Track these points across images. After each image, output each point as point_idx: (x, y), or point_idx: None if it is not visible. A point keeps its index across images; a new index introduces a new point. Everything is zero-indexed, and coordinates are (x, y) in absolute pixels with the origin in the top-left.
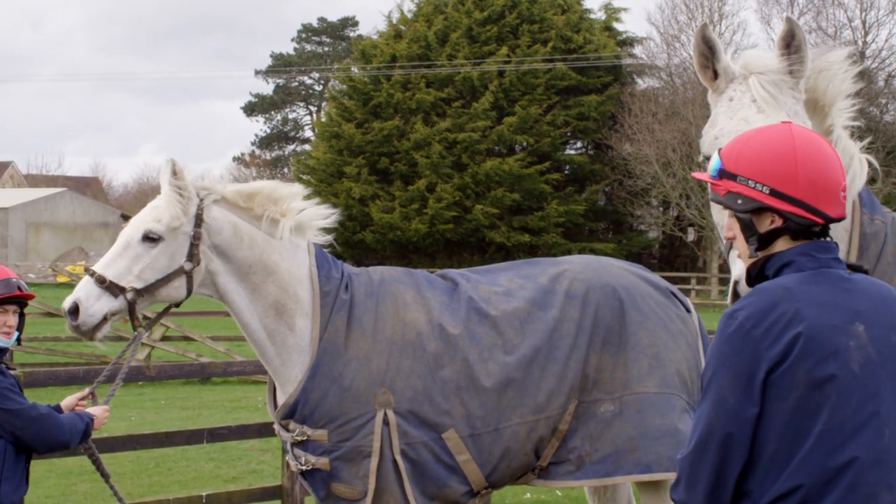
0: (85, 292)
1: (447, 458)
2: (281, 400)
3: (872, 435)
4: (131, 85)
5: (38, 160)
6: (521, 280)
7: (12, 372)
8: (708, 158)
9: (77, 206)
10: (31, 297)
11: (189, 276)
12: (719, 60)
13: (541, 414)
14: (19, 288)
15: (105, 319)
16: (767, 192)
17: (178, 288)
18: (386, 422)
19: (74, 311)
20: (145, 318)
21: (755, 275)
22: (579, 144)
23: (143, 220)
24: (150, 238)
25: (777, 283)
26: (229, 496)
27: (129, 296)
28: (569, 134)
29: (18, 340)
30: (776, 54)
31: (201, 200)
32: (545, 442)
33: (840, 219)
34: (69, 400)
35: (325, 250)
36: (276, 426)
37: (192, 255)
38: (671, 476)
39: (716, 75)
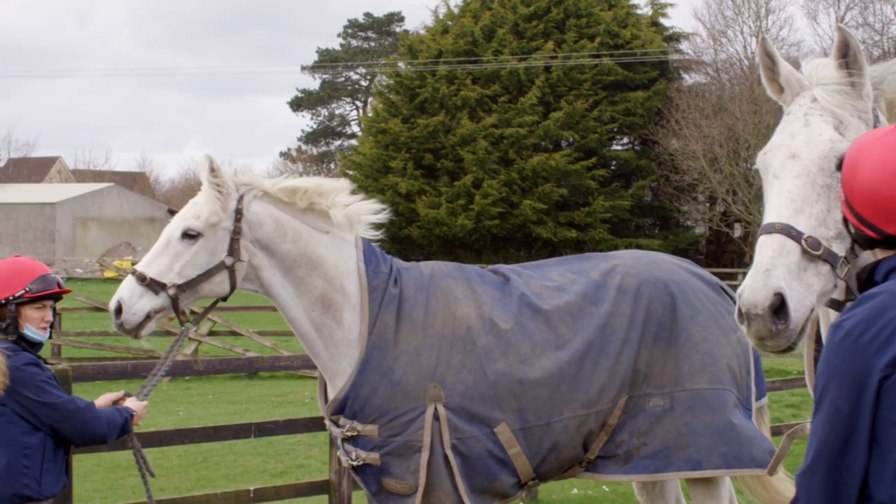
0: (127, 291)
1: (499, 452)
2: (331, 395)
3: None
4: (177, 80)
5: (85, 155)
6: (572, 275)
7: (58, 366)
8: (751, 174)
9: (124, 201)
10: (67, 291)
11: (231, 270)
12: (780, 73)
13: (592, 408)
14: (59, 284)
15: (148, 317)
16: (843, 198)
17: (220, 283)
18: (436, 416)
19: (118, 310)
20: (192, 313)
21: (864, 280)
22: (626, 140)
23: (182, 218)
24: (189, 235)
25: (883, 289)
26: (277, 490)
27: (171, 292)
28: (615, 129)
29: (50, 335)
30: (833, 65)
31: (241, 196)
32: (594, 435)
33: None
34: (104, 399)
35: (373, 245)
36: (326, 421)
37: (233, 251)
38: (720, 473)
39: (781, 89)
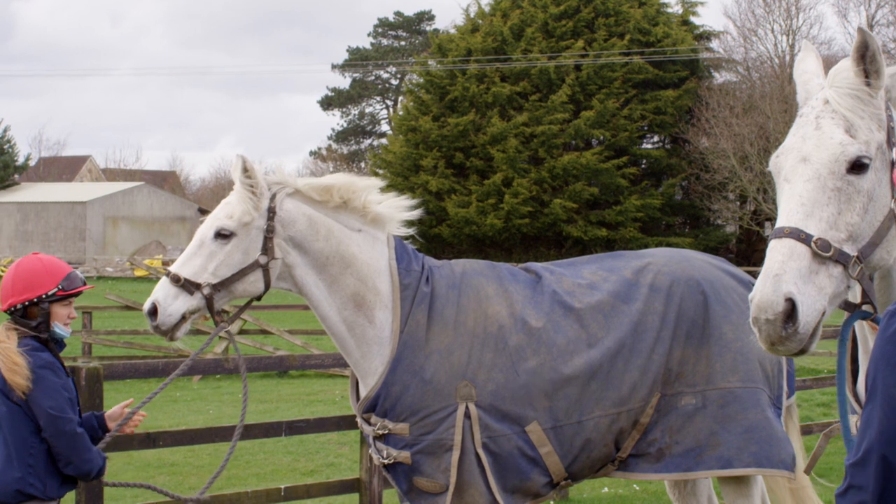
0: (162, 293)
1: (530, 451)
2: (363, 393)
3: None
4: (209, 79)
5: (116, 154)
6: (604, 273)
7: (90, 365)
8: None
9: (154, 200)
10: (91, 287)
11: (265, 269)
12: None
13: (623, 406)
14: (83, 282)
15: (184, 318)
16: None
17: (254, 282)
18: (468, 415)
19: (153, 311)
20: (225, 312)
21: None
22: (656, 138)
23: (215, 218)
24: (222, 235)
25: None
26: (307, 489)
27: (206, 292)
28: (645, 128)
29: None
30: (852, 67)
31: (274, 194)
32: (626, 434)
33: None
34: (115, 410)
35: (405, 243)
36: (358, 419)
37: (267, 249)
38: (750, 472)
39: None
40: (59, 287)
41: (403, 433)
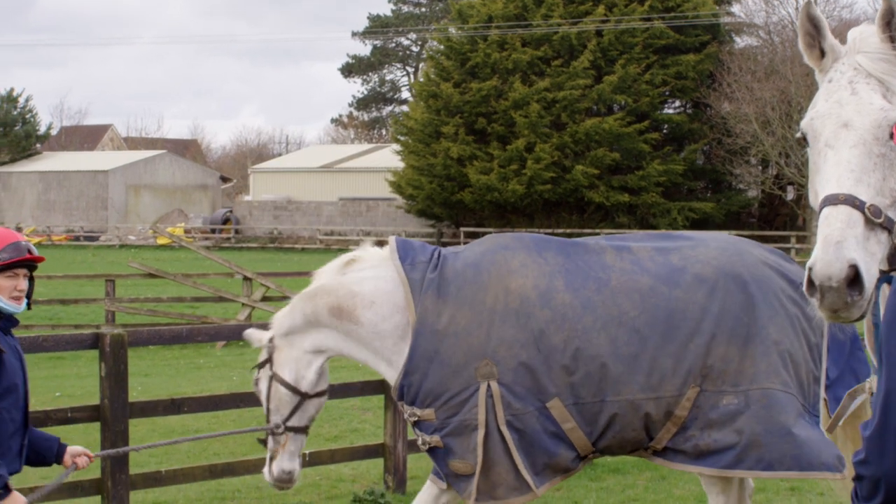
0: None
1: (553, 427)
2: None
3: None
4: (231, 47)
5: (138, 123)
6: (653, 253)
7: (114, 332)
8: (804, 137)
9: (176, 169)
10: (40, 259)
11: None
12: (825, 38)
13: (651, 393)
14: (29, 251)
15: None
16: None
17: None
18: (490, 394)
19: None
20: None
21: None
22: (678, 103)
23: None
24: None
25: None
26: (332, 454)
27: None
28: (667, 93)
29: (28, 305)
30: (877, 33)
31: None
32: (658, 423)
33: None
34: (77, 450)
35: (410, 240)
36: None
37: None
38: (792, 475)
39: (822, 54)
40: None
41: (430, 419)
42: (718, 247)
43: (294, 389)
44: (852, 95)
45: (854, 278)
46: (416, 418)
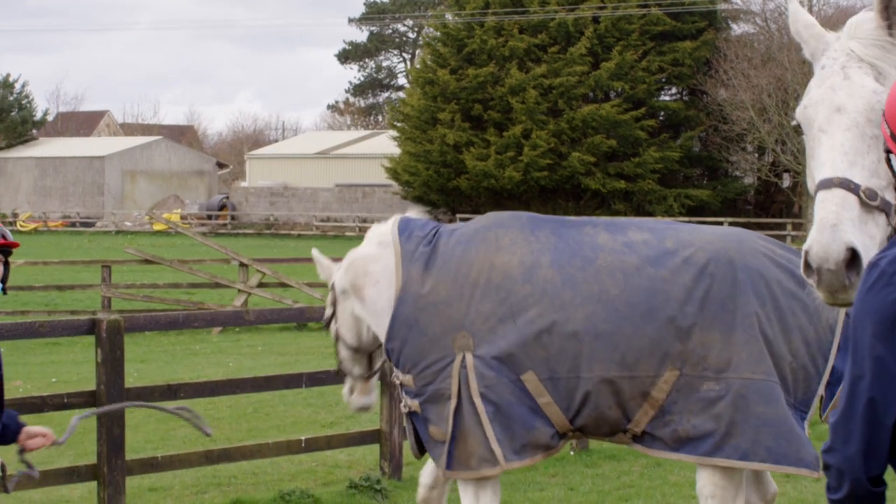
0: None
1: (528, 401)
2: None
3: None
4: (228, 33)
5: (134, 109)
6: (649, 236)
7: (111, 317)
8: (799, 126)
9: (172, 155)
10: (14, 245)
11: None
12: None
13: (626, 371)
14: (3, 236)
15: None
16: (889, 134)
17: None
18: (464, 365)
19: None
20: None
21: None
22: (674, 90)
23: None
24: None
25: None
26: (328, 440)
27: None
28: (664, 80)
29: (4, 290)
30: (874, 19)
31: None
32: (634, 403)
33: None
34: (36, 430)
35: (413, 217)
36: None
37: None
38: (765, 467)
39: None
40: None
41: (410, 384)
42: (717, 234)
43: (353, 349)
44: (845, 80)
45: (852, 260)
46: (399, 381)
